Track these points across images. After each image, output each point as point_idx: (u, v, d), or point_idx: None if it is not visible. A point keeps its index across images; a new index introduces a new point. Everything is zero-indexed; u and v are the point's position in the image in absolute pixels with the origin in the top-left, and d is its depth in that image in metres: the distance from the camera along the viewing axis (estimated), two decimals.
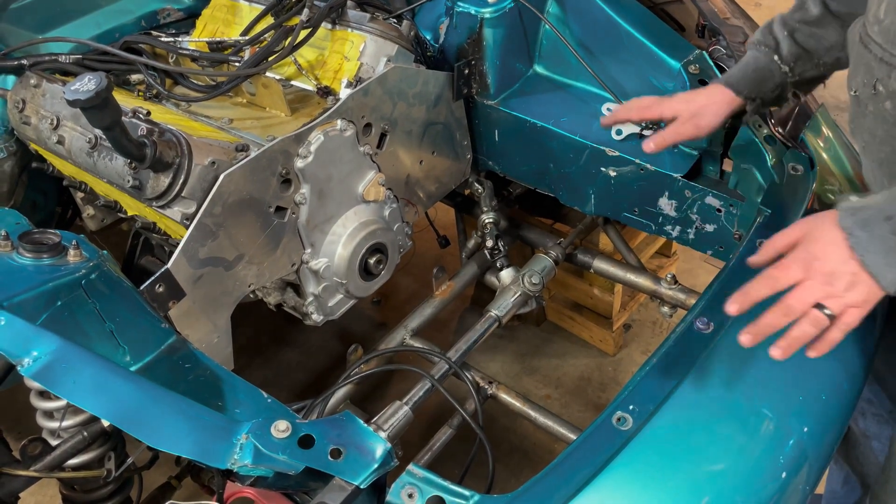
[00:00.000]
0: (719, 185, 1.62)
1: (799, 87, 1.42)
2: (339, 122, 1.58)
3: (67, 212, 2.10)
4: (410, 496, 0.97)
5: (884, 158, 1.11)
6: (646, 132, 1.70)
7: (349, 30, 1.75)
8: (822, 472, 1.19)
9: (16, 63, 1.79)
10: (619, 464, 1.00)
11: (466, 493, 0.98)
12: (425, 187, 1.88)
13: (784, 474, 1.09)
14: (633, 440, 1.02)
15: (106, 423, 1.11)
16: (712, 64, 1.66)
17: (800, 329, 0.94)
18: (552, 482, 0.98)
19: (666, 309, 1.86)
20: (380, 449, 0.99)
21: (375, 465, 0.97)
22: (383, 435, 1.49)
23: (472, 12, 1.77)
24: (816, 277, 0.92)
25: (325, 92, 1.70)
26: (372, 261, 1.71)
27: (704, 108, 1.40)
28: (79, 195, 1.90)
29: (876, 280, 0.90)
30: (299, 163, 1.54)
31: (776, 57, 1.36)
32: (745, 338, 0.96)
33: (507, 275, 2.00)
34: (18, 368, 1.03)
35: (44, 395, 1.18)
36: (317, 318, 1.72)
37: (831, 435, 1.21)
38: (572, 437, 1.63)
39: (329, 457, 0.98)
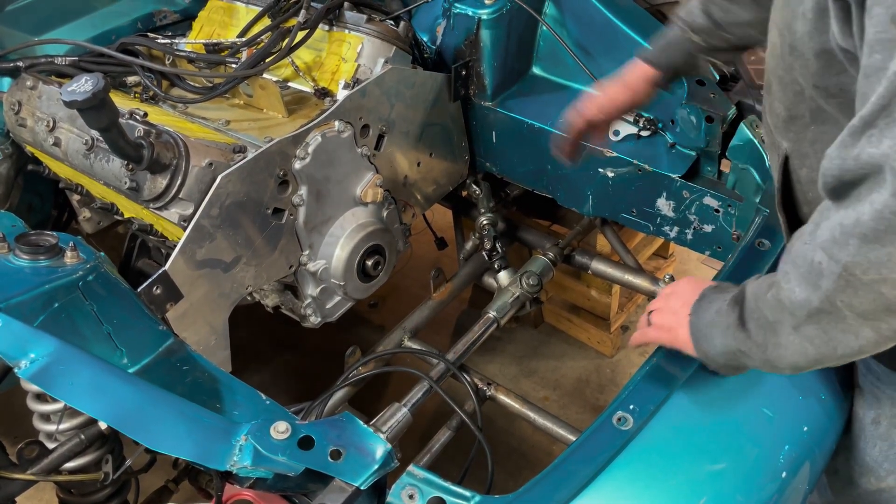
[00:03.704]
0: (717, 186, 1.63)
1: (715, 56, 1.44)
2: (336, 123, 1.58)
3: (63, 215, 2.10)
4: (411, 497, 0.97)
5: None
6: (643, 133, 1.70)
7: (346, 31, 1.75)
8: (821, 471, 1.19)
9: (12, 65, 1.78)
10: (620, 463, 0.99)
11: (467, 493, 0.97)
12: (423, 189, 1.88)
13: (784, 474, 1.09)
14: (633, 440, 1.02)
15: (103, 426, 1.11)
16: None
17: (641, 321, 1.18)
18: (553, 482, 0.98)
19: None
20: (380, 450, 0.99)
21: (376, 466, 0.97)
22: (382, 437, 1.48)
23: (470, 14, 1.77)
24: (663, 300, 1.13)
25: (323, 93, 1.70)
26: (369, 262, 1.71)
27: (632, 79, 1.46)
28: (75, 198, 1.89)
29: (691, 339, 1.04)
30: (297, 164, 1.53)
31: (688, 28, 1.39)
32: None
33: (504, 276, 2.00)
34: (15, 370, 1.02)
35: (41, 397, 1.17)
36: (314, 319, 1.71)
37: (831, 434, 1.21)
38: (571, 438, 1.63)
39: (329, 458, 0.97)
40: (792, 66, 0.93)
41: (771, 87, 1.03)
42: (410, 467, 1.01)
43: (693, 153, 1.64)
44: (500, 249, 2.01)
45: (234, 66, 1.72)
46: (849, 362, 0.88)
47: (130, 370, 1.15)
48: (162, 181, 1.42)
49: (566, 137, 1.53)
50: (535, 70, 1.92)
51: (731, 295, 0.99)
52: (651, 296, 1.90)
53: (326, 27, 1.77)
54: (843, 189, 0.76)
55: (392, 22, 1.80)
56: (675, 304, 1.09)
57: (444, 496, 0.97)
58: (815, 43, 0.86)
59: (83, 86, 1.24)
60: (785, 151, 1.05)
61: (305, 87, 1.77)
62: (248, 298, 1.63)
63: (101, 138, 1.47)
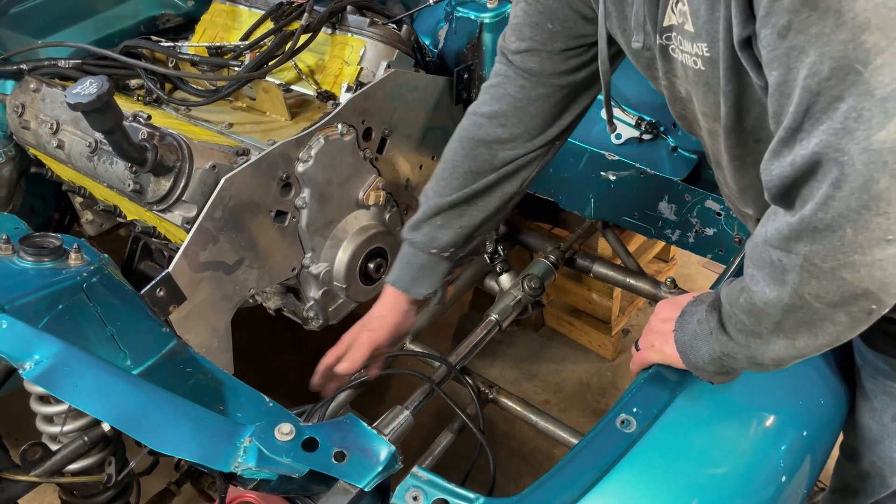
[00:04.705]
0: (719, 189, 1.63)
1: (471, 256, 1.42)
2: (339, 126, 1.59)
3: (65, 217, 2.10)
4: (415, 499, 0.96)
5: None
6: (645, 136, 1.71)
7: (349, 35, 1.75)
8: (819, 473, 1.19)
9: (15, 68, 1.79)
10: (624, 466, 0.99)
11: (471, 495, 0.97)
12: None
13: (784, 478, 1.09)
14: (637, 443, 1.02)
15: (106, 428, 1.11)
16: None
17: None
18: (557, 484, 0.98)
19: None
20: (384, 451, 0.99)
21: (380, 468, 0.97)
22: None
23: (472, 17, 1.78)
24: (646, 326, 1.13)
25: (326, 96, 1.71)
26: (372, 265, 1.71)
27: (379, 325, 1.37)
28: (77, 200, 1.89)
29: (679, 353, 1.05)
30: (300, 167, 1.54)
31: (433, 251, 1.33)
32: None
33: (506, 279, 2.00)
34: (20, 372, 1.02)
35: (44, 399, 1.17)
36: (317, 322, 1.71)
37: (828, 438, 1.22)
38: (573, 441, 1.63)
39: (333, 459, 0.97)
40: (734, 145, 0.96)
41: (720, 164, 1.05)
42: (415, 469, 1.01)
43: (695, 156, 1.65)
44: (501, 252, 2.01)
45: (237, 69, 1.73)
46: (827, 350, 0.90)
47: (134, 372, 1.16)
48: (165, 183, 1.42)
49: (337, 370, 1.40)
50: None
51: (708, 302, 1.01)
52: (652, 299, 1.90)
53: (329, 31, 1.78)
54: (785, 194, 0.79)
55: (394, 25, 1.81)
56: (658, 324, 1.10)
57: (449, 498, 0.97)
58: (745, 109, 0.90)
59: (88, 88, 1.24)
60: (755, 216, 1.09)
61: (308, 90, 1.77)
62: (251, 301, 1.63)
63: (104, 141, 1.47)
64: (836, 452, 1.47)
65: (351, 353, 1.38)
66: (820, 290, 0.79)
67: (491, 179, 1.30)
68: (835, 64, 0.69)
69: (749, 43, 0.80)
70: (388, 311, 1.37)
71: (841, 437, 1.38)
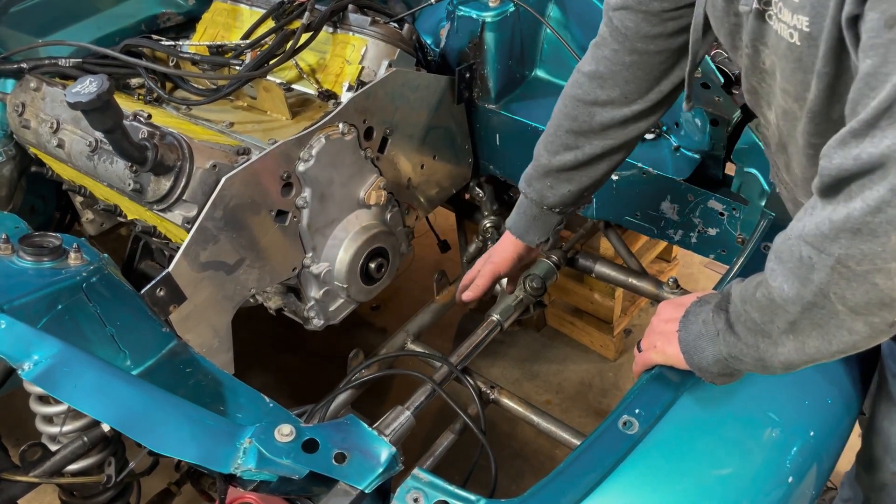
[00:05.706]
0: (722, 189, 1.62)
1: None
2: (340, 125, 1.58)
3: (66, 216, 2.09)
4: (416, 501, 0.96)
5: None
6: (647, 136, 1.70)
7: (350, 34, 1.75)
8: (828, 476, 1.18)
9: (15, 67, 1.78)
10: (626, 468, 0.99)
11: (472, 497, 0.97)
12: (426, 191, 1.88)
13: (791, 479, 1.08)
14: (639, 444, 1.02)
15: (106, 428, 1.10)
16: (714, 68, 1.66)
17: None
18: (560, 486, 0.97)
19: None
20: (385, 453, 0.98)
21: (380, 470, 0.96)
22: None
23: (474, 16, 1.77)
24: (649, 327, 1.13)
25: (327, 95, 1.70)
26: (373, 265, 1.71)
27: (501, 259, 1.51)
28: (77, 199, 1.89)
29: (682, 354, 1.04)
30: (301, 166, 1.53)
31: (545, 207, 1.41)
32: None
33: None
34: (19, 372, 1.02)
35: (44, 399, 1.16)
36: (317, 322, 1.71)
37: (837, 439, 1.20)
38: (575, 441, 1.62)
39: (333, 461, 0.97)
40: (814, 132, 0.92)
41: (787, 148, 1.02)
42: (415, 470, 1.00)
43: (697, 156, 1.64)
44: None
45: (237, 68, 1.72)
46: (843, 357, 0.88)
47: (134, 372, 1.15)
48: (166, 183, 1.42)
49: (462, 297, 1.57)
50: (539, 73, 1.92)
51: (714, 303, 0.99)
52: (654, 299, 1.89)
53: (330, 29, 1.77)
54: (836, 186, 0.77)
55: (396, 24, 1.80)
56: (661, 325, 1.09)
57: (450, 500, 0.97)
58: (838, 96, 0.85)
59: (88, 87, 1.24)
60: None
61: (309, 89, 1.77)
62: (251, 301, 1.63)
63: (105, 140, 1.47)
64: (849, 462, 1.45)
65: (475, 282, 1.53)
66: (848, 291, 0.77)
67: (595, 148, 1.30)
68: None
69: (856, 21, 0.76)
70: (509, 247, 1.50)
71: (859, 447, 1.36)
